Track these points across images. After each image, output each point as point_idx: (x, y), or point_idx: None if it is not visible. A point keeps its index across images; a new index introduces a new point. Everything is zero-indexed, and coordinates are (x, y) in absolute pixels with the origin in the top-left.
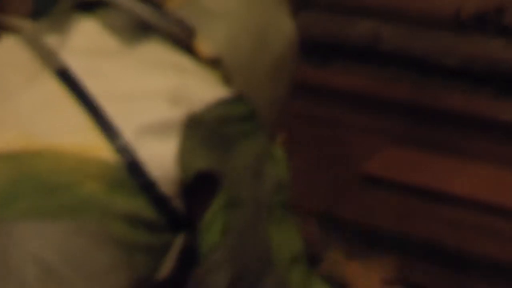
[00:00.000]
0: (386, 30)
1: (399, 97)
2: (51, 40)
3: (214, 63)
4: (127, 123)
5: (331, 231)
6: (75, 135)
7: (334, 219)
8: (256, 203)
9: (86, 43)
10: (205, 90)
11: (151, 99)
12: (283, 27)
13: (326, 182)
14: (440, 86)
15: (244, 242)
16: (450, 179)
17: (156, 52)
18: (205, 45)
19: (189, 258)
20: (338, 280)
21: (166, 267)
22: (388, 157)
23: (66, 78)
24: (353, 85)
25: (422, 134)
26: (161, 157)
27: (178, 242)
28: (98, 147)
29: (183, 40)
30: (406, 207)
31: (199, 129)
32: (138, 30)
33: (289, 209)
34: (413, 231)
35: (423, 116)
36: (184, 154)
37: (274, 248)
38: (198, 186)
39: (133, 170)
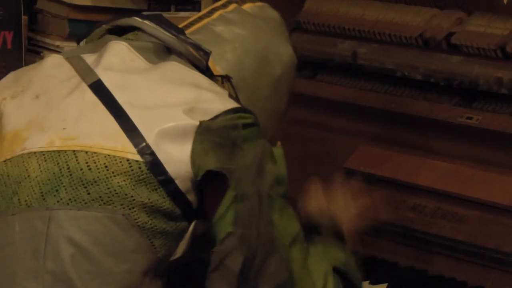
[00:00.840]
0: (362, 48)
1: (373, 104)
2: (88, 58)
3: (224, 80)
4: (149, 129)
5: None
6: (106, 138)
7: None
8: (259, 195)
9: (117, 61)
10: (215, 102)
11: (171, 109)
12: (282, 52)
13: (312, 175)
14: (407, 95)
15: (252, 229)
16: (416, 172)
17: (176, 70)
18: (218, 65)
19: (200, 242)
20: (330, 225)
21: (180, 249)
22: (365, 154)
23: (99, 90)
24: (335, 94)
25: (392, 135)
26: (177, 158)
27: (190, 229)
28: (125, 149)
29: (200, 61)
30: (380, 196)
31: (209, 135)
32: (162, 51)
33: (287, 198)
34: (385, 216)
35: (393, 120)
36: (196, 156)
37: (278, 232)
38: (210, 183)
39: (154, 168)
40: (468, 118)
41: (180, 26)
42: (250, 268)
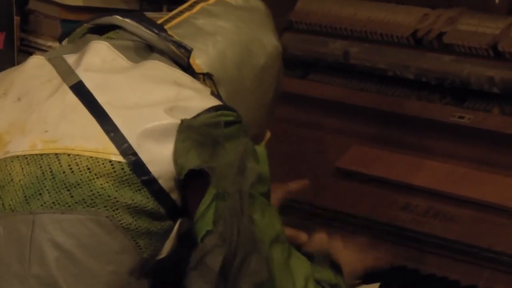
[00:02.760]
0: (354, 48)
1: (365, 104)
2: (70, 59)
3: (206, 78)
4: (131, 129)
5: (311, 217)
6: (88, 140)
7: (313, 206)
8: (240, 194)
9: (98, 61)
10: (197, 100)
11: (152, 108)
12: (266, 43)
13: (305, 175)
14: (399, 95)
15: (232, 228)
16: (408, 172)
17: (157, 68)
18: (199, 59)
19: (186, 240)
20: (325, 255)
21: (166, 248)
22: (357, 153)
23: (80, 92)
24: (328, 94)
25: (385, 135)
26: (160, 157)
27: (176, 227)
28: (107, 150)
29: (181, 58)
30: (373, 195)
31: (191, 133)
32: (144, 50)
33: (269, 197)
34: (378, 215)
35: (386, 120)
36: (179, 155)
37: (258, 231)
38: (193, 181)
39: (137, 169)
40: (460, 117)
41: (161, 21)
42: (230, 266)
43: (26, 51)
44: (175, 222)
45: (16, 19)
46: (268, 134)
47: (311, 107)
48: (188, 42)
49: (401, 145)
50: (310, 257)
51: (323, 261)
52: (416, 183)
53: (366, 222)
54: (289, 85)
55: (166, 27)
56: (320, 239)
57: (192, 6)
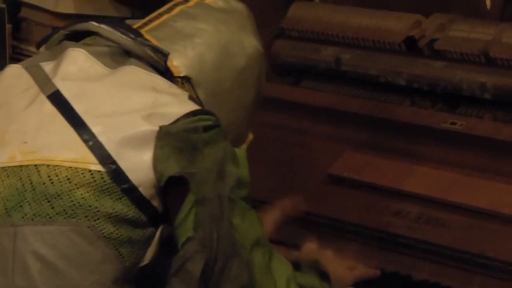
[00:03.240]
0: (345, 54)
1: (357, 110)
2: (47, 67)
3: (184, 81)
4: (109, 138)
5: (303, 223)
6: (67, 150)
7: (305, 213)
8: (220, 199)
9: (74, 70)
10: (175, 106)
11: (129, 116)
12: (246, 44)
13: (297, 181)
14: (391, 101)
15: (213, 233)
16: (400, 178)
17: (134, 74)
18: (178, 61)
19: (168, 245)
20: (315, 266)
21: (148, 255)
22: (349, 160)
23: (58, 101)
24: (319, 100)
25: (377, 141)
26: (139, 165)
27: (158, 234)
28: (86, 160)
29: (158, 63)
30: (365, 201)
31: (170, 139)
32: (120, 55)
33: (250, 201)
34: (370, 221)
35: (378, 126)
36: (158, 162)
37: (238, 235)
38: (173, 187)
39: (117, 177)
40: (452, 123)
41: (139, 24)
42: (211, 272)
43: (18, 58)
44: (157, 229)
45: (8, 27)
46: (250, 136)
47: (303, 114)
48: (166, 45)
49: (393, 151)
50: (297, 265)
51: (310, 268)
52: (408, 189)
53: (358, 228)
54: (281, 92)
55: (144, 30)
56: (310, 248)
57: (171, 8)
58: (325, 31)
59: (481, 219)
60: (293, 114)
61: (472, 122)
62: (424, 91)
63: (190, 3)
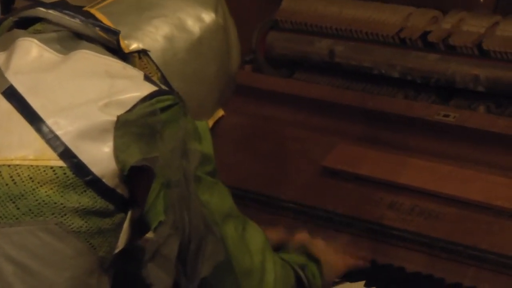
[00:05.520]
0: (339, 46)
1: (351, 102)
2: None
3: (142, 55)
4: (67, 132)
5: (297, 214)
6: (26, 148)
7: (299, 204)
8: (186, 178)
9: (26, 61)
10: (131, 90)
11: (86, 107)
12: (204, 17)
13: (291, 174)
14: (384, 93)
15: (183, 214)
16: (393, 170)
17: (87, 60)
18: (133, 37)
19: (141, 225)
20: (304, 251)
21: (122, 240)
22: (343, 152)
23: (12, 97)
24: (313, 92)
25: (370, 133)
26: (100, 157)
27: (128, 218)
28: (46, 156)
29: (110, 42)
30: (358, 193)
31: (129, 127)
32: (71, 39)
33: (216, 173)
34: (363, 214)
35: (371, 118)
36: (119, 152)
37: (209, 211)
38: (138, 173)
39: (79, 171)
40: (445, 115)
41: (93, 4)
42: (186, 253)
43: None
44: (126, 214)
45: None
46: (220, 113)
47: (297, 106)
48: (118, 19)
49: (387, 143)
50: (285, 247)
51: (299, 252)
52: (401, 181)
53: (351, 220)
54: (275, 84)
55: (95, 8)
56: (301, 237)
57: None
58: (318, 23)
59: (474, 211)
60: (286, 106)
61: (465, 115)
62: (418, 84)
63: None
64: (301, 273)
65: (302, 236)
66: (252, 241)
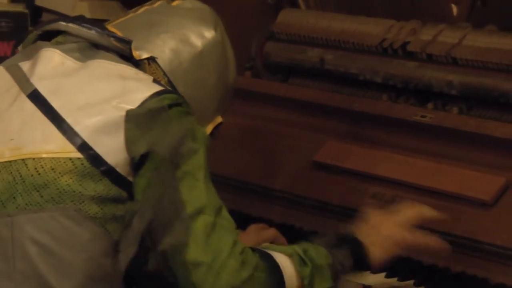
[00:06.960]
0: (329, 55)
1: (339, 105)
2: (24, 66)
3: (150, 62)
4: (84, 128)
5: (292, 204)
6: (48, 143)
7: (292, 196)
8: (173, 168)
9: (49, 68)
10: (141, 90)
11: (101, 106)
12: (205, 34)
13: (285, 168)
14: (369, 96)
15: (160, 194)
16: (376, 164)
17: (103, 66)
18: (144, 49)
19: None
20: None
21: (137, 224)
22: (332, 149)
23: (36, 99)
24: (305, 96)
25: (356, 132)
26: (113, 148)
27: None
28: (66, 150)
29: (124, 50)
30: (346, 185)
31: (138, 120)
32: (90, 49)
33: (204, 172)
34: (349, 203)
35: (357, 118)
36: (130, 143)
37: (183, 200)
38: (146, 160)
39: (95, 161)
40: (422, 116)
41: (107, 22)
42: (155, 228)
43: None
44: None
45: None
46: (219, 119)
47: (291, 108)
48: (129, 35)
49: (371, 141)
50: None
51: (340, 240)
52: (383, 174)
53: (339, 208)
54: (272, 88)
55: (111, 25)
56: (270, 235)
57: (137, 9)
58: (310, 34)
59: (448, 201)
60: (282, 107)
61: (441, 115)
62: (398, 88)
63: (155, 5)
64: (287, 261)
65: (270, 233)
66: (218, 244)
